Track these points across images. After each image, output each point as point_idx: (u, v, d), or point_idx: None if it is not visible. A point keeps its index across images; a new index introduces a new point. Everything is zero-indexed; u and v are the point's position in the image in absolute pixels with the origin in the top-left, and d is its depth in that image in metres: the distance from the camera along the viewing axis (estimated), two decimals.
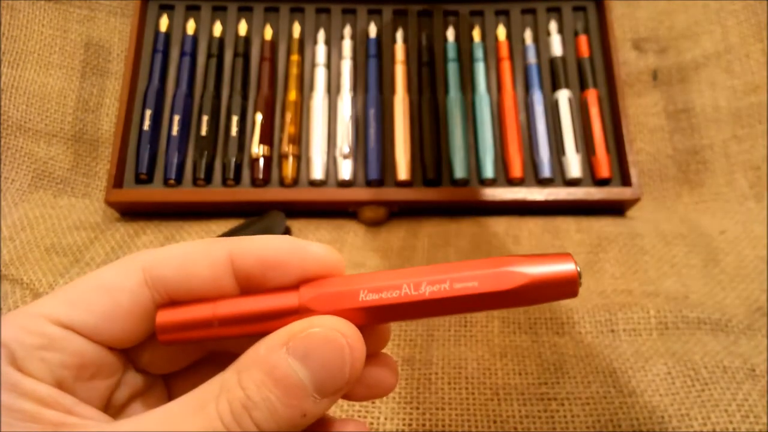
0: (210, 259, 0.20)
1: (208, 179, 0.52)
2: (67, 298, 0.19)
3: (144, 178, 0.51)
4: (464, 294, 0.19)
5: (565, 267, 0.19)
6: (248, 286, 0.20)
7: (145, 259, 0.20)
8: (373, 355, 0.21)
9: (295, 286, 0.20)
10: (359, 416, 0.34)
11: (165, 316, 0.20)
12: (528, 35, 0.57)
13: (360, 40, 0.57)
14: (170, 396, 0.23)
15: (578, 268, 0.19)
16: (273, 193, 0.51)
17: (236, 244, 0.20)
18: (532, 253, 0.19)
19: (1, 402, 0.17)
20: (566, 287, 0.19)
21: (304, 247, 0.20)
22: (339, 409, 0.35)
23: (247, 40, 0.56)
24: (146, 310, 0.20)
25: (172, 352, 0.22)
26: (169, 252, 0.20)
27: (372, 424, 0.34)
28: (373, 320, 0.19)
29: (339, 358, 0.18)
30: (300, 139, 0.53)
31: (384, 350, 0.23)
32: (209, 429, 0.17)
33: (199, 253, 0.20)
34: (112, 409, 0.21)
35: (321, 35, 0.57)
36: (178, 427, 0.17)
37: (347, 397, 0.21)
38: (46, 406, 0.17)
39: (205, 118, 0.53)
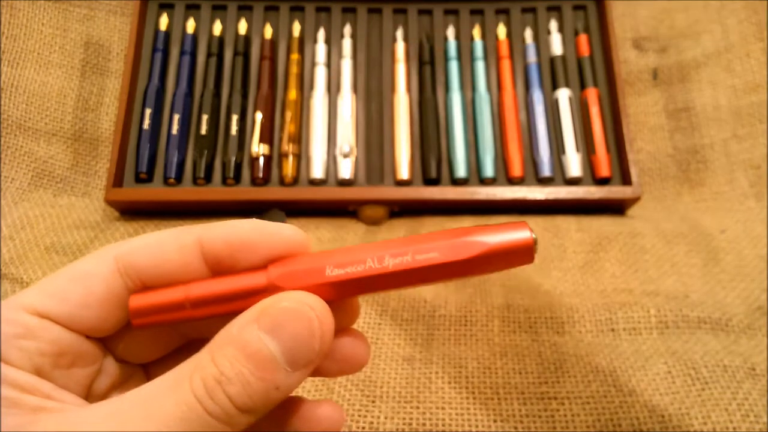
0: (179, 244, 0.20)
1: (208, 178, 0.52)
2: (44, 288, 0.20)
3: (144, 177, 0.51)
4: (426, 265, 0.19)
5: (522, 235, 0.19)
6: (219, 269, 0.21)
7: (117, 249, 0.21)
8: (343, 330, 0.22)
9: (263, 266, 0.20)
10: (359, 415, 0.34)
11: (138, 300, 0.20)
12: (528, 34, 0.57)
13: (360, 39, 0.57)
14: None
15: (534, 236, 0.19)
16: (273, 192, 0.51)
17: (204, 230, 0.21)
18: (491, 223, 0.20)
19: None
20: (523, 254, 0.19)
21: (269, 228, 0.21)
22: None
23: (247, 38, 0.56)
24: (120, 298, 0.20)
25: (149, 341, 0.23)
26: (140, 241, 0.21)
27: (372, 423, 0.34)
28: (340, 294, 0.20)
29: (307, 329, 0.18)
30: (300, 138, 0.53)
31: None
32: (184, 405, 0.17)
33: (169, 240, 0.21)
34: (93, 398, 0.21)
35: (321, 34, 0.57)
36: (153, 405, 0.17)
37: (323, 374, 0.22)
38: (26, 392, 0.18)
39: (205, 117, 0.53)
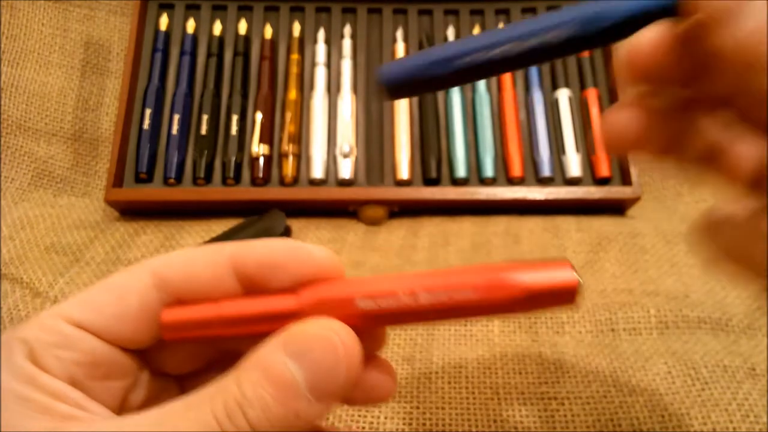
0: (213, 261, 0.21)
1: (208, 178, 0.52)
2: (82, 299, 0.20)
3: (144, 177, 0.51)
4: (460, 303, 0.19)
5: (565, 275, 0.18)
6: (251, 287, 0.21)
7: (154, 264, 0.21)
8: (369, 357, 0.22)
9: (294, 288, 0.20)
10: (359, 415, 0.34)
11: (169, 315, 0.21)
12: None
13: (360, 40, 0.57)
14: None
15: (579, 277, 0.18)
16: (273, 192, 0.51)
17: (238, 248, 0.21)
18: (530, 260, 0.19)
19: (18, 393, 0.18)
20: (565, 297, 0.19)
21: (303, 249, 0.21)
22: (339, 408, 0.35)
23: (247, 39, 0.56)
24: (155, 311, 0.21)
25: (185, 352, 0.23)
26: (176, 256, 0.21)
27: (372, 423, 0.34)
28: (370, 325, 0.20)
29: (333, 357, 0.18)
30: (300, 138, 0.53)
31: (384, 349, 0.23)
32: (201, 424, 0.17)
33: (203, 257, 0.21)
34: (127, 411, 0.21)
35: (321, 34, 0.57)
36: (172, 423, 0.18)
37: (347, 402, 0.22)
38: (58, 400, 0.18)
39: (205, 117, 0.53)
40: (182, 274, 0.21)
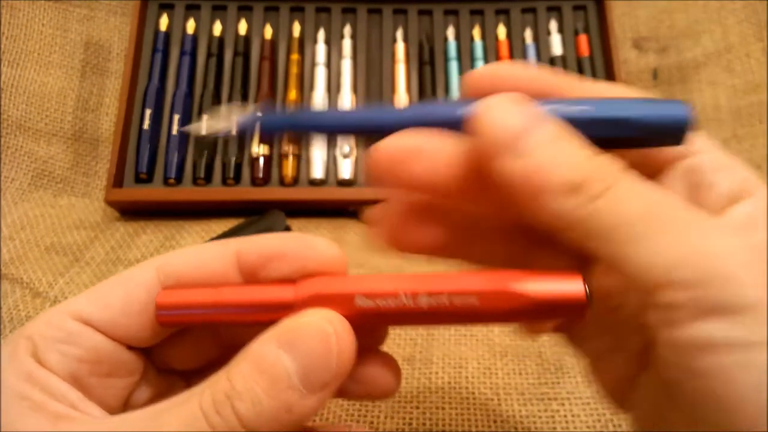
0: (218, 256, 0.21)
1: (208, 178, 0.52)
2: (89, 295, 0.20)
3: (144, 178, 0.51)
4: (462, 310, 0.18)
5: (573, 288, 0.18)
6: (254, 280, 0.21)
7: (159, 260, 0.21)
8: (370, 351, 0.21)
9: (295, 280, 0.20)
10: (359, 414, 0.34)
11: (165, 296, 0.20)
12: (528, 34, 0.57)
13: (360, 40, 0.57)
14: None
15: (588, 290, 0.17)
16: (273, 193, 0.51)
17: (243, 241, 0.21)
18: (541, 269, 0.18)
19: (16, 389, 0.18)
20: (573, 311, 0.18)
21: (305, 240, 0.20)
22: (338, 408, 0.35)
23: (247, 39, 0.56)
24: None
25: (190, 347, 0.23)
26: (181, 252, 0.21)
27: (372, 423, 0.34)
28: (367, 324, 0.19)
29: (324, 346, 0.18)
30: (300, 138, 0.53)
31: (385, 349, 0.23)
32: (188, 418, 0.17)
33: (209, 252, 0.21)
34: (132, 409, 0.21)
35: (321, 34, 0.57)
36: (160, 420, 0.17)
37: (347, 395, 0.21)
38: (54, 398, 0.18)
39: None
40: (188, 268, 0.21)
